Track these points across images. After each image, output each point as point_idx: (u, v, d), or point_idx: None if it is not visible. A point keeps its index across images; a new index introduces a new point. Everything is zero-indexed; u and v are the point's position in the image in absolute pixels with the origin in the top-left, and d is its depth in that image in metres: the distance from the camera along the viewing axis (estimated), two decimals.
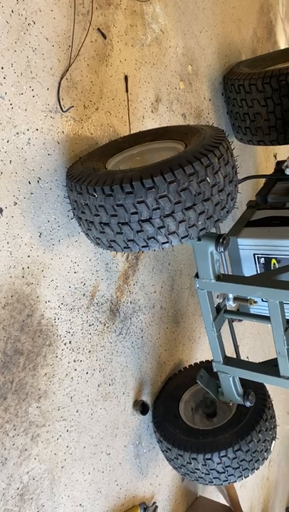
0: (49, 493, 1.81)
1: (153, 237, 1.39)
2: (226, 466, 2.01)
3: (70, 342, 1.85)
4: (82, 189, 1.44)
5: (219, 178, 1.38)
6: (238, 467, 2.02)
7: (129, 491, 2.34)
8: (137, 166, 1.71)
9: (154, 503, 2.53)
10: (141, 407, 2.30)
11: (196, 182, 1.32)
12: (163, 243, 1.40)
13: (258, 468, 2.09)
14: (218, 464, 2.01)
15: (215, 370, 2.06)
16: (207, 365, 2.51)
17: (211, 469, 2.03)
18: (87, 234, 1.60)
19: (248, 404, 2.07)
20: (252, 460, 2.03)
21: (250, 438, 2.01)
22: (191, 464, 2.08)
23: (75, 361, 1.88)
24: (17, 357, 1.60)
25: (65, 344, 1.82)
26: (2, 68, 1.47)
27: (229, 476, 2.04)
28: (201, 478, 2.11)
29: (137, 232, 1.38)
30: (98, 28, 1.87)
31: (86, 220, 1.52)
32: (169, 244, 1.40)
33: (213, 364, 2.04)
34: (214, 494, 3.19)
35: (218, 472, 2.03)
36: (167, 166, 1.31)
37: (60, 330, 1.79)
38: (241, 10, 3.18)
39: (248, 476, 2.08)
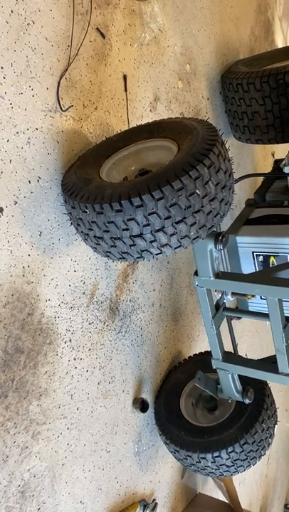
0: (50, 490, 1.82)
1: (146, 250, 1.40)
2: (235, 460, 2.07)
3: (70, 340, 1.86)
4: (75, 204, 1.47)
5: (210, 188, 1.35)
6: (246, 458, 2.08)
7: (129, 488, 2.35)
8: (131, 168, 1.71)
9: (154, 500, 2.54)
10: (140, 405, 2.31)
11: (185, 196, 1.30)
12: (156, 254, 1.42)
13: (265, 454, 2.16)
14: (227, 459, 2.06)
15: (214, 367, 2.07)
16: (201, 357, 2.55)
17: (220, 465, 2.09)
18: (84, 242, 1.63)
19: (246, 401, 2.09)
20: (258, 449, 2.09)
21: (254, 430, 2.06)
22: (200, 462, 2.12)
23: (75, 359, 1.89)
24: (18, 355, 1.61)
25: (65, 342, 1.83)
26: (2, 68, 1.47)
27: (239, 467, 2.10)
28: (212, 473, 2.17)
29: (130, 246, 1.40)
30: (97, 28, 1.88)
31: (82, 232, 1.55)
32: (162, 254, 1.42)
33: (213, 361, 2.06)
34: (213, 491, 3.21)
35: (228, 466, 2.09)
36: (155, 183, 1.29)
37: (60, 328, 1.80)
38: (239, 9, 3.19)
39: (256, 463, 2.14)
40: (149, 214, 1.31)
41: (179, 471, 2.81)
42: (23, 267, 1.61)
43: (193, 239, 1.41)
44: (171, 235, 1.36)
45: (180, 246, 1.41)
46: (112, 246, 1.45)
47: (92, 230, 1.46)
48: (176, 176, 1.29)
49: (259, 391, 2.17)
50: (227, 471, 2.11)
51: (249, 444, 2.04)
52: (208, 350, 2.58)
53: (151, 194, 1.28)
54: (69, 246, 1.80)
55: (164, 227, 1.33)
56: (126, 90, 2.06)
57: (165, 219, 1.32)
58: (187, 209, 1.32)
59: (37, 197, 1.64)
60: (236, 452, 2.04)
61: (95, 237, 1.48)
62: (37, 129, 1.62)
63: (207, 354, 2.53)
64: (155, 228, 1.33)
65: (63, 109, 1.71)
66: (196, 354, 2.64)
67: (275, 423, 2.20)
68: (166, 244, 1.38)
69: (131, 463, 2.34)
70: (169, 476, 2.71)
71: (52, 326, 1.76)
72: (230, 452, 2.04)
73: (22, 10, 1.53)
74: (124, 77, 2.06)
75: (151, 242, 1.37)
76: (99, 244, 1.50)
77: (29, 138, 1.59)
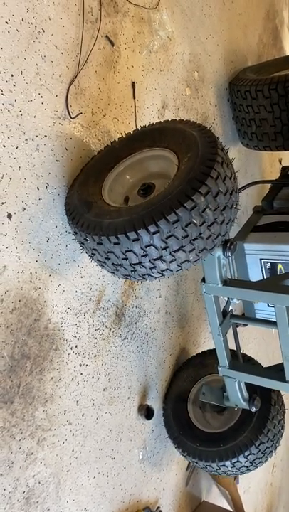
0: (54, 497, 1.81)
1: (147, 274, 1.42)
2: (253, 460, 2.10)
3: (76, 346, 1.86)
4: (77, 231, 1.49)
5: (208, 215, 1.32)
6: (263, 455, 2.12)
7: (133, 495, 2.34)
8: (134, 179, 1.70)
9: (158, 507, 2.53)
10: (146, 412, 2.30)
11: (180, 228, 1.29)
12: (158, 277, 1.44)
13: (279, 444, 2.19)
14: (246, 461, 2.10)
15: (221, 374, 2.06)
16: (199, 359, 2.55)
17: (240, 467, 2.13)
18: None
19: (253, 409, 2.07)
20: (273, 444, 2.13)
21: (267, 429, 2.08)
22: (220, 469, 2.16)
23: (81, 365, 1.89)
24: (24, 361, 1.62)
25: (71, 348, 1.83)
26: (12, 76, 1.48)
27: (258, 463, 2.14)
28: (233, 473, 2.21)
29: (131, 271, 1.43)
30: (106, 36, 1.89)
31: (87, 252, 1.58)
32: (164, 277, 1.44)
33: (219, 369, 2.05)
34: (218, 499, 3.18)
35: (247, 466, 2.13)
36: (150, 216, 1.29)
37: (66, 334, 1.80)
38: (247, 16, 3.20)
39: (272, 455, 2.18)
40: (146, 246, 1.31)
41: (184, 478, 2.79)
42: (31, 273, 1.62)
43: (194, 261, 1.41)
44: (170, 261, 1.36)
45: (181, 269, 1.42)
46: (114, 270, 1.48)
47: (94, 254, 1.50)
48: (170, 208, 1.27)
49: (264, 388, 2.17)
50: (247, 470, 2.17)
51: (264, 443, 2.08)
52: (205, 350, 2.62)
53: (146, 228, 1.28)
54: (76, 252, 1.81)
55: (162, 257, 1.34)
56: (134, 97, 2.07)
57: (162, 249, 1.32)
58: (184, 238, 1.31)
59: (45, 203, 1.65)
60: (253, 454, 2.08)
61: (98, 260, 1.52)
62: (46, 136, 1.63)
63: (204, 355, 2.55)
64: (153, 258, 1.34)
65: (72, 116, 1.72)
66: (194, 356, 2.64)
67: (284, 413, 2.22)
68: (167, 269, 1.40)
69: (135, 470, 2.33)
70: (174, 483, 2.69)
71: (58, 332, 1.76)
72: (247, 455, 2.08)
73: (32, 18, 1.54)
74: (133, 85, 2.07)
75: (151, 268, 1.39)
76: (103, 266, 1.54)
77: (38, 145, 1.60)
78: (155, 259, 1.35)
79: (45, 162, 1.63)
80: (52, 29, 1.62)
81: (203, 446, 2.21)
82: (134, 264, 1.38)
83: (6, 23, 1.46)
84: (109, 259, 1.43)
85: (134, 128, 2.07)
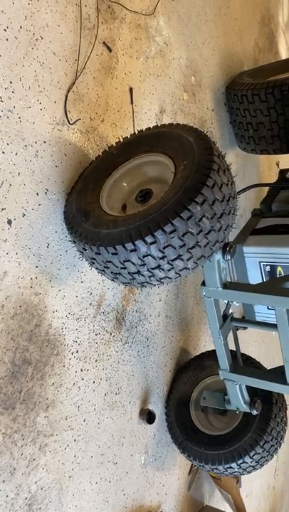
0: (57, 503, 1.80)
1: (146, 282, 1.44)
2: (259, 459, 2.11)
3: (77, 351, 1.86)
4: (76, 240, 1.51)
5: (204, 224, 1.32)
6: (269, 453, 2.13)
7: (135, 500, 2.33)
8: (132, 185, 1.70)
9: None
10: (147, 416, 2.29)
11: (177, 237, 1.29)
12: (157, 285, 1.46)
13: (284, 441, 2.20)
14: (252, 461, 2.11)
15: (221, 378, 2.06)
16: (199, 362, 2.55)
17: (247, 467, 2.14)
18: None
19: (254, 412, 2.07)
20: (277, 441, 2.14)
21: (270, 428, 2.09)
22: (227, 471, 2.17)
23: (82, 370, 1.89)
24: (25, 367, 1.61)
25: (72, 353, 1.83)
26: (11, 83, 1.49)
27: (264, 462, 2.16)
28: (240, 473, 2.22)
29: (130, 279, 1.44)
30: (104, 42, 1.91)
31: (86, 260, 1.59)
32: (164, 284, 1.45)
33: (220, 372, 2.05)
34: (220, 503, 3.17)
35: (253, 466, 2.14)
36: (146, 227, 1.29)
37: (67, 339, 1.80)
38: (243, 21, 3.23)
39: (277, 452, 2.19)
40: (144, 256, 1.33)
41: (186, 483, 2.78)
42: (31, 278, 1.62)
43: (193, 269, 1.42)
44: (169, 270, 1.37)
45: (179, 277, 1.43)
46: (114, 277, 1.50)
47: (94, 263, 1.51)
48: (166, 218, 1.28)
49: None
50: (253, 469, 2.18)
51: (269, 442, 2.09)
52: (203, 351, 2.62)
53: (143, 239, 1.29)
54: (76, 257, 1.81)
55: (160, 266, 1.35)
56: (132, 103, 2.08)
57: (160, 259, 1.33)
58: (181, 247, 1.32)
59: (45, 209, 1.65)
60: (259, 453, 2.09)
61: (97, 268, 1.54)
62: (45, 142, 1.64)
63: (203, 357, 2.56)
64: (151, 267, 1.35)
65: (71, 122, 1.73)
66: (192, 358, 2.64)
67: (286, 409, 2.23)
68: (165, 277, 1.41)
69: (138, 475, 2.32)
70: (176, 488, 2.68)
71: (59, 337, 1.76)
72: (253, 455, 2.08)
73: (31, 26, 1.56)
74: (131, 90, 2.08)
75: (149, 277, 1.40)
76: (103, 274, 1.56)
77: (37, 151, 1.61)
78: (153, 268, 1.36)
79: (45, 168, 1.64)
80: (50, 36, 1.64)
81: (208, 450, 2.22)
82: (133, 273, 1.40)
83: (5, 30, 1.47)
84: (108, 268, 1.45)
85: (133, 133, 2.08)
